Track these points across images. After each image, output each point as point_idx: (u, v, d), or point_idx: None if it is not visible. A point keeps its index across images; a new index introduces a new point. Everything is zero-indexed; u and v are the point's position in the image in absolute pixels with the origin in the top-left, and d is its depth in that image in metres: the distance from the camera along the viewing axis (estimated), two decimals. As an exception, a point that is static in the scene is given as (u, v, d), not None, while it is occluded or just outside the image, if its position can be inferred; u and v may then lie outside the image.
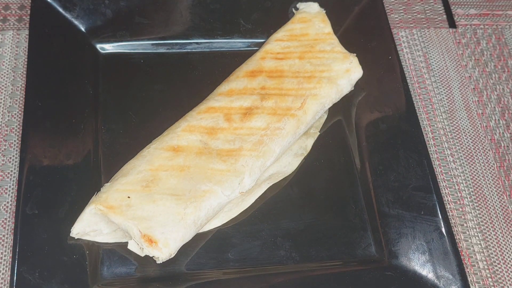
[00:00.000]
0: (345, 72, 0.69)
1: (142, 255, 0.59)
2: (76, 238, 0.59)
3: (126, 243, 0.59)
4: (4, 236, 0.62)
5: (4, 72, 0.71)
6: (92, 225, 0.59)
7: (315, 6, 0.74)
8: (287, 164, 0.67)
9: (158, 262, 0.57)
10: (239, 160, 0.62)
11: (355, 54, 0.71)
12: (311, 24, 0.72)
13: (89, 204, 0.58)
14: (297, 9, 0.75)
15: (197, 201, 0.59)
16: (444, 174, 0.71)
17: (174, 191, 0.59)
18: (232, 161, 0.61)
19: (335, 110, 0.71)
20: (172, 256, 0.58)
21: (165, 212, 0.57)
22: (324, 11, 0.74)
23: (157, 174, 0.60)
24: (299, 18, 0.73)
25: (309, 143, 0.69)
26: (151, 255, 0.57)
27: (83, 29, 0.72)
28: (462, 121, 0.75)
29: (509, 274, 0.66)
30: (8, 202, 0.64)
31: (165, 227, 0.57)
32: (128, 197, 0.58)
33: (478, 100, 0.77)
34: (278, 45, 0.71)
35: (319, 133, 0.70)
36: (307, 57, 0.70)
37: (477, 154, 0.73)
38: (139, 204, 0.57)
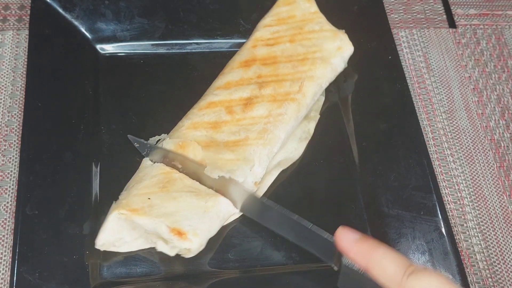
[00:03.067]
0: (337, 50, 0.69)
1: (173, 254, 0.58)
2: (102, 250, 0.58)
3: (150, 249, 0.59)
4: (4, 236, 0.62)
5: (4, 72, 0.72)
6: (115, 234, 0.58)
7: None
8: (293, 149, 0.68)
9: (189, 255, 0.57)
10: (246, 150, 0.62)
11: (343, 30, 0.71)
12: (296, 5, 0.72)
13: (111, 212, 0.58)
14: None
15: (215, 195, 0.59)
16: (444, 174, 0.71)
17: (191, 188, 0.59)
18: (241, 151, 0.62)
19: (335, 110, 0.71)
20: (203, 247, 0.58)
21: (187, 207, 0.58)
22: None
23: (171, 175, 0.60)
24: (283, 1, 0.73)
25: (311, 126, 0.69)
26: (182, 249, 0.57)
27: (83, 29, 0.72)
28: (462, 121, 0.75)
29: (509, 274, 0.66)
30: (8, 202, 0.64)
31: (191, 220, 0.57)
32: (149, 198, 0.58)
33: (478, 100, 0.77)
34: (267, 31, 0.70)
35: (319, 116, 0.70)
36: (298, 40, 0.70)
37: (477, 154, 0.73)
38: (160, 203, 0.58)
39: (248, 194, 0.60)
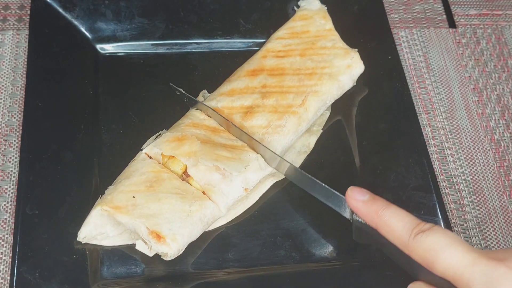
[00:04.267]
0: (346, 67, 0.69)
1: (151, 255, 0.58)
2: (83, 242, 0.59)
3: (132, 245, 0.59)
4: (4, 236, 0.62)
5: (4, 72, 0.72)
6: (98, 228, 0.58)
7: (316, 3, 0.74)
8: (290, 162, 0.67)
9: (167, 259, 0.57)
10: (243, 153, 0.62)
11: (356, 50, 0.71)
12: (312, 21, 0.72)
13: (95, 207, 0.58)
14: (298, 7, 0.75)
15: (202, 199, 0.59)
16: (444, 174, 0.71)
17: (178, 190, 0.59)
18: (237, 152, 0.62)
19: (335, 109, 0.71)
20: (181, 252, 0.58)
21: (171, 209, 0.58)
22: (326, 8, 0.74)
23: (160, 175, 0.60)
24: (300, 16, 0.73)
25: (312, 140, 0.69)
26: (160, 252, 0.57)
27: (83, 29, 0.72)
28: (462, 121, 0.75)
29: (509, 274, 0.65)
30: (8, 202, 0.64)
31: (172, 224, 0.57)
32: (133, 197, 0.58)
33: (478, 100, 0.77)
34: (279, 43, 0.71)
35: (321, 131, 0.70)
36: (308, 54, 0.70)
37: (477, 154, 0.73)
38: (144, 203, 0.58)
39: (278, 158, 0.61)
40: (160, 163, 0.61)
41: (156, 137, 0.64)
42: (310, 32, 0.72)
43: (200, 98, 0.68)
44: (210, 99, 0.67)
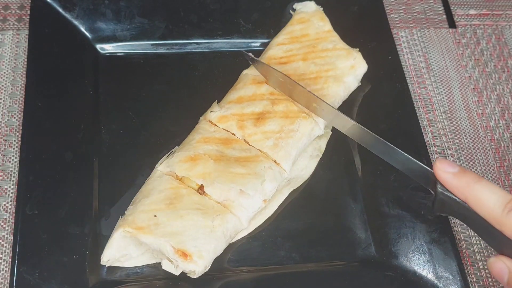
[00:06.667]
0: (350, 68, 0.69)
1: (177, 273, 0.58)
2: (107, 266, 0.58)
3: (156, 264, 0.59)
4: (4, 236, 0.62)
5: (4, 72, 0.71)
6: (121, 250, 0.58)
7: (311, 5, 0.74)
8: (304, 167, 0.66)
9: (194, 277, 0.56)
10: (258, 166, 0.61)
11: (357, 49, 0.71)
12: (310, 23, 0.72)
13: (117, 229, 0.57)
14: (294, 10, 0.75)
15: (223, 213, 0.58)
16: (444, 174, 0.71)
17: (198, 205, 0.58)
18: (252, 166, 0.61)
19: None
20: (208, 268, 0.57)
21: (194, 226, 0.57)
22: (322, 9, 0.74)
23: (178, 191, 0.59)
24: (297, 19, 0.73)
25: (322, 143, 0.68)
26: (187, 271, 0.56)
27: (83, 29, 0.72)
28: (462, 121, 0.75)
29: (509, 274, 0.66)
30: (8, 202, 0.64)
31: (196, 240, 0.56)
32: (155, 216, 0.57)
33: (478, 100, 0.77)
34: (280, 49, 0.70)
35: (331, 133, 0.69)
36: (311, 58, 0.69)
37: (477, 154, 0.73)
38: (167, 221, 0.56)
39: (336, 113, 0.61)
40: (176, 178, 0.60)
41: (168, 155, 0.63)
42: (310, 35, 0.71)
43: (213, 108, 0.66)
44: (219, 107, 0.65)
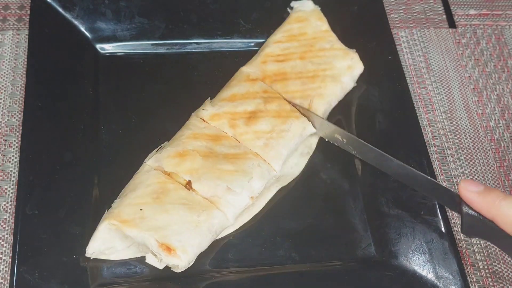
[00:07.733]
0: (347, 69, 0.70)
1: (161, 267, 0.58)
2: (91, 258, 0.58)
3: (141, 258, 0.59)
4: (4, 236, 0.62)
5: (4, 72, 0.71)
6: (106, 243, 0.58)
7: (309, 4, 0.74)
8: (294, 165, 0.67)
9: (177, 271, 0.56)
10: (246, 163, 0.61)
11: (354, 50, 0.71)
12: (308, 22, 0.72)
13: (102, 221, 0.57)
14: (291, 8, 0.75)
15: (209, 208, 0.59)
16: (444, 174, 0.71)
17: (185, 200, 0.58)
18: (240, 163, 0.61)
19: (335, 109, 0.71)
20: (191, 263, 0.57)
21: (179, 221, 0.57)
22: (319, 8, 0.74)
23: (166, 186, 0.59)
24: (295, 18, 0.73)
25: (313, 141, 0.69)
26: (170, 264, 0.56)
27: (83, 29, 0.72)
28: (462, 121, 0.75)
29: (509, 274, 0.66)
30: (8, 202, 0.64)
31: (181, 235, 0.56)
32: (141, 209, 0.57)
33: (478, 100, 0.77)
34: (278, 47, 0.70)
35: None
36: (308, 57, 0.70)
37: (477, 154, 0.73)
38: (152, 215, 0.57)
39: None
40: (164, 173, 0.60)
41: (157, 149, 0.63)
42: (307, 34, 0.72)
43: (205, 105, 0.66)
44: (211, 105, 0.66)
